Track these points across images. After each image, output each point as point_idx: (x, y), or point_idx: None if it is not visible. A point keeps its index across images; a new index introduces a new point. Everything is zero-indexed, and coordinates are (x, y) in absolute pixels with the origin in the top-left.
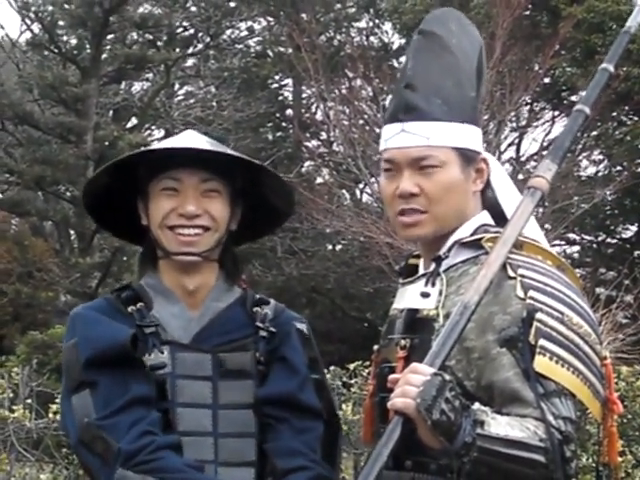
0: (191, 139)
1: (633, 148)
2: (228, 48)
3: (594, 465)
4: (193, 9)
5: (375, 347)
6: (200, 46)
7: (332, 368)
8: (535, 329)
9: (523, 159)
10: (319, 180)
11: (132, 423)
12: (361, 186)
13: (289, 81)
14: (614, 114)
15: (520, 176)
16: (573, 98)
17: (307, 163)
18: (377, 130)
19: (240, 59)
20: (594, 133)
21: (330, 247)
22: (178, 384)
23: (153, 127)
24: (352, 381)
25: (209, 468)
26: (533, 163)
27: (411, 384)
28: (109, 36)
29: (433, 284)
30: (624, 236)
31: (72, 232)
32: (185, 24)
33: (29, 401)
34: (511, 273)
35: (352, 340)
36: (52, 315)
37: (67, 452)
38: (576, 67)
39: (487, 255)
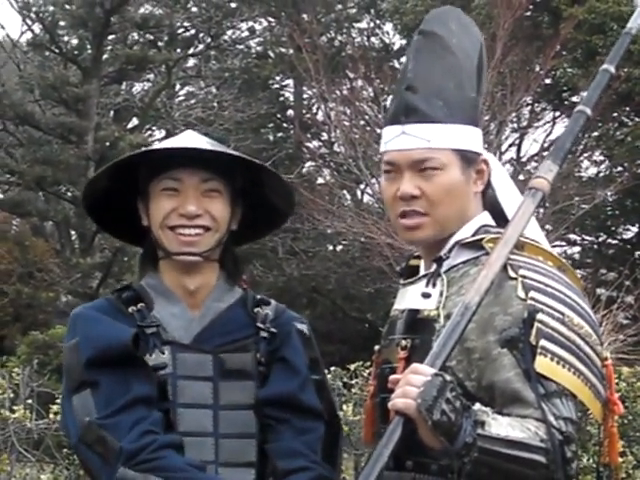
0: (191, 139)
1: (634, 149)
2: (229, 49)
3: (595, 466)
4: (194, 9)
5: (376, 347)
6: (201, 46)
7: (333, 369)
8: (536, 330)
9: (524, 160)
10: (320, 181)
11: (134, 422)
12: (362, 187)
13: (290, 82)
14: (615, 115)
15: (521, 177)
16: (574, 99)
17: (308, 164)
18: (378, 131)
19: (241, 60)
20: (595, 134)
21: (331, 248)
22: (179, 384)
23: (154, 128)
24: (353, 382)
25: (210, 468)
26: (534, 164)
27: (412, 384)
28: (110, 36)
29: (434, 285)
30: (625, 237)
31: (73, 232)
32: (186, 24)
33: (30, 401)
34: (512, 274)
35: (353, 341)
36: (53, 315)
37: (68, 452)
38: (577, 68)
39: (488, 256)
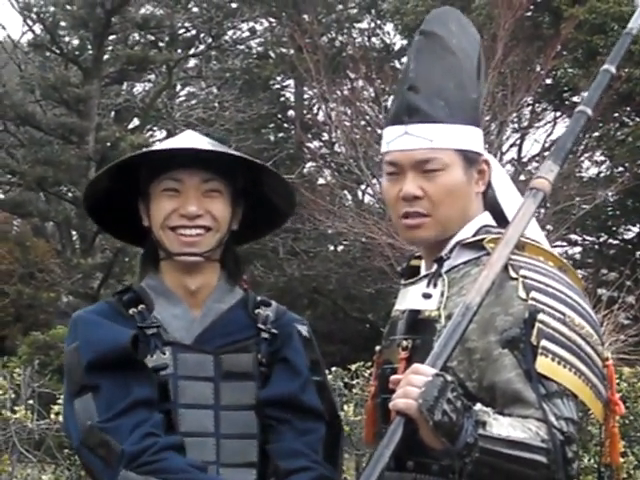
0: (191, 139)
1: (635, 149)
2: (230, 49)
3: (596, 466)
4: (195, 10)
5: (377, 348)
6: (202, 47)
7: (334, 369)
8: (537, 330)
9: (525, 160)
10: (321, 181)
11: (135, 425)
12: (363, 187)
13: (291, 82)
14: (616, 115)
15: (522, 177)
16: (575, 99)
17: (309, 164)
18: (379, 131)
19: (242, 60)
20: (596, 134)
21: (332, 248)
22: (180, 385)
23: (155, 128)
24: (354, 382)
25: (211, 469)
26: (535, 164)
27: (413, 385)
28: (111, 37)
29: (435, 285)
30: (626, 237)
31: (74, 233)
32: (187, 25)
33: (31, 402)
34: (513, 274)
35: (354, 341)
36: (54, 316)
37: (69, 453)
38: (578, 68)
39: (489, 256)
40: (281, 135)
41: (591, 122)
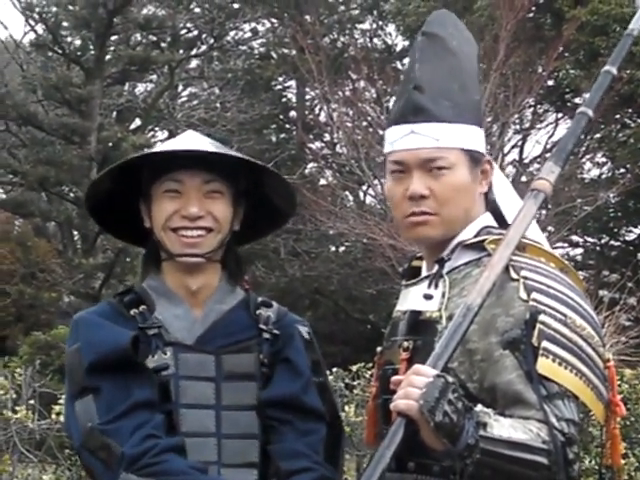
0: (193, 140)
1: (636, 150)
2: (232, 50)
3: (597, 467)
4: (197, 10)
5: (378, 349)
6: (204, 47)
7: (335, 370)
8: (538, 331)
9: (526, 161)
10: (322, 182)
11: (135, 427)
12: (364, 188)
13: (293, 83)
14: (617, 116)
15: (523, 178)
16: (576, 100)
17: (310, 165)
18: (380, 132)
19: (244, 61)
20: (597, 135)
21: (333, 249)
22: (181, 385)
23: (157, 128)
24: (355, 383)
25: (212, 469)
26: (536, 165)
27: (414, 386)
28: (113, 37)
29: (436, 286)
30: (627, 238)
31: (75, 233)
32: (189, 25)
33: (32, 402)
34: (514, 275)
35: (355, 342)
36: (55, 316)
37: (70, 453)
38: (579, 69)
39: (490, 257)
40: (283, 136)
41: (592, 124)
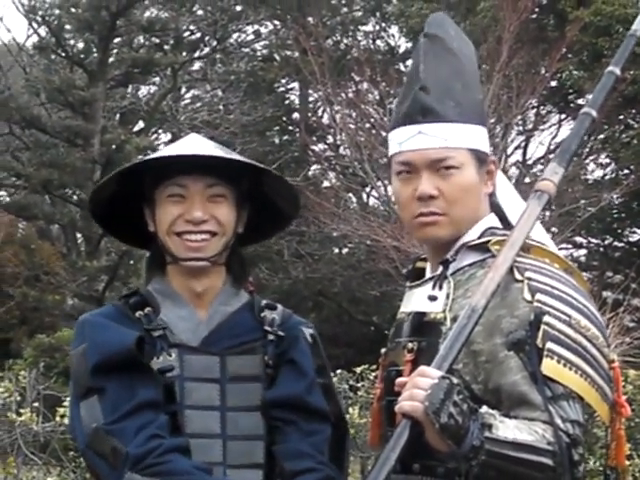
0: (196, 144)
1: None
2: (235, 52)
3: (601, 469)
4: (200, 13)
5: (382, 350)
6: (207, 50)
7: (339, 372)
8: (543, 332)
9: (529, 162)
10: (326, 184)
11: (140, 427)
12: (368, 189)
13: (296, 85)
14: (621, 117)
15: (527, 179)
16: (580, 101)
17: (314, 167)
18: (384, 133)
19: (247, 63)
20: (601, 137)
21: (337, 250)
22: (186, 386)
23: (160, 131)
24: (359, 384)
25: (218, 470)
26: (539, 167)
27: (419, 387)
28: (116, 40)
29: (440, 287)
30: (631, 239)
31: (79, 235)
32: (192, 28)
33: (36, 404)
34: (518, 276)
35: (358, 344)
36: (59, 318)
37: (74, 455)
38: (583, 70)
39: (494, 258)
40: (286, 138)
41: (596, 124)
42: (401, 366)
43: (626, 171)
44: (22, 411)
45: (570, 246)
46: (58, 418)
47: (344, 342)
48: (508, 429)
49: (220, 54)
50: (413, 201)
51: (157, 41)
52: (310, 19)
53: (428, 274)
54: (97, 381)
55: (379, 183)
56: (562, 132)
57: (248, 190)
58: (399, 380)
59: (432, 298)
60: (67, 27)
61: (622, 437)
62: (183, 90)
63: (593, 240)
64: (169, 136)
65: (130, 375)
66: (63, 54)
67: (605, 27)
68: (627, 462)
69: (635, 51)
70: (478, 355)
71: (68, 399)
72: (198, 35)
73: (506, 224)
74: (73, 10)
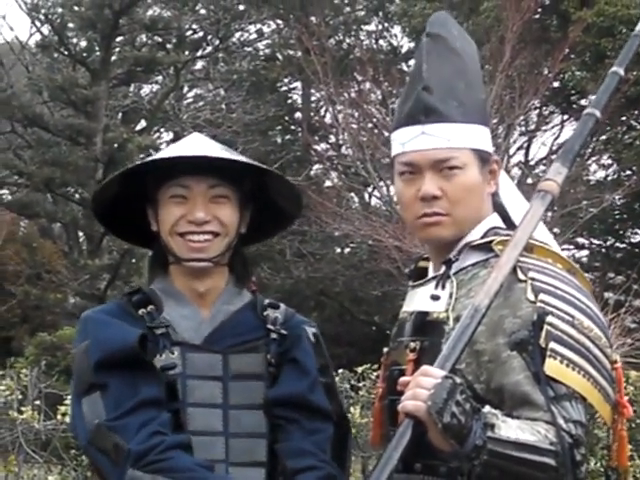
0: (198, 144)
1: None
2: (237, 51)
3: (602, 469)
4: (202, 12)
5: (384, 349)
6: (209, 49)
7: (340, 371)
8: (546, 332)
9: (532, 163)
10: (328, 183)
11: (142, 424)
12: (370, 189)
13: (298, 84)
14: (623, 118)
15: (529, 180)
16: (582, 102)
17: (316, 166)
18: (386, 133)
19: (249, 62)
20: (603, 137)
21: (339, 250)
22: (189, 384)
23: (162, 129)
24: (360, 384)
25: (220, 468)
26: (542, 167)
27: (422, 387)
28: (119, 38)
29: (443, 287)
30: (633, 240)
31: (81, 234)
32: (194, 27)
33: (38, 402)
34: (521, 276)
35: (360, 343)
36: (61, 317)
37: (75, 454)
38: (586, 71)
39: (497, 258)
40: (288, 137)
41: (598, 125)
42: (403, 365)
43: (628, 172)
44: (23, 409)
45: (572, 247)
46: (59, 416)
47: (346, 341)
48: (511, 429)
49: (223, 53)
50: (416, 201)
51: (160, 40)
52: (313, 18)
53: (431, 274)
54: (100, 377)
55: (381, 183)
56: (564, 133)
57: (251, 190)
58: (402, 379)
59: (435, 297)
60: (70, 25)
61: (624, 438)
62: (185, 89)
63: (595, 241)
64: (171, 135)
65: (133, 372)
66: (66, 52)
67: (608, 28)
68: (628, 463)
69: (638, 52)
70: (481, 355)
71: (69, 397)
72: (201, 34)
73: (509, 224)
74: (76, 8)
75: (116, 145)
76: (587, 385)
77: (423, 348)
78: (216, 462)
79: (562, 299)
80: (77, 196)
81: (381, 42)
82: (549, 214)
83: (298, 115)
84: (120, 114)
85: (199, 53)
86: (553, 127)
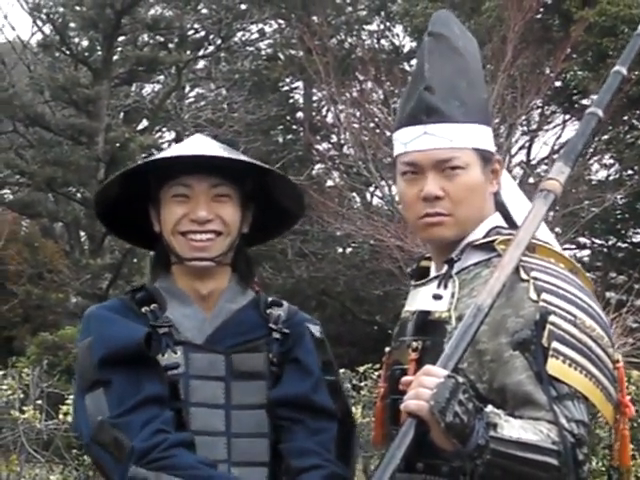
0: (200, 144)
1: None
2: (239, 50)
3: (604, 469)
4: (204, 11)
5: (386, 349)
6: (211, 48)
7: (342, 371)
8: (548, 332)
9: (534, 163)
10: (329, 183)
11: (145, 422)
12: (371, 189)
13: (300, 84)
14: (625, 118)
15: (531, 180)
16: (584, 102)
17: (317, 166)
18: (388, 133)
19: (251, 61)
20: (605, 137)
21: (340, 250)
22: (191, 384)
23: (164, 129)
24: (362, 384)
25: (222, 468)
26: (544, 167)
27: (425, 386)
28: (120, 38)
29: (445, 286)
30: (635, 240)
31: (82, 233)
32: (196, 26)
33: (39, 402)
34: (524, 276)
35: (362, 343)
36: (62, 316)
37: (77, 453)
38: (587, 71)
39: (500, 258)
40: (290, 137)
41: (601, 125)
42: (405, 365)
43: (630, 172)
44: (25, 409)
45: (574, 246)
46: (61, 416)
47: (347, 341)
48: (513, 428)
49: (224, 53)
50: (418, 201)
51: (161, 39)
52: (315, 18)
53: (433, 273)
54: (104, 374)
55: (383, 182)
56: (566, 132)
57: (253, 190)
58: (404, 379)
59: (437, 297)
60: (71, 25)
61: (626, 437)
62: (187, 88)
63: (597, 241)
64: (173, 134)
65: (137, 370)
66: (67, 52)
67: (610, 27)
68: (630, 462)
69: None
70: (483, 354)
71: (71, 397)
72: (202, 34)
73: (510, 223)
74: (77, 8)
75: (118, 145)
76: (589, 385)
77: (425, 347)
78: (218, 462)
79: (564, 298)
80: (79, 196)
81: (383, 42)
82: (551, 214)
83: (300, 115)
84: (122, 114)
85: (201, 53)
86: (555, 127)
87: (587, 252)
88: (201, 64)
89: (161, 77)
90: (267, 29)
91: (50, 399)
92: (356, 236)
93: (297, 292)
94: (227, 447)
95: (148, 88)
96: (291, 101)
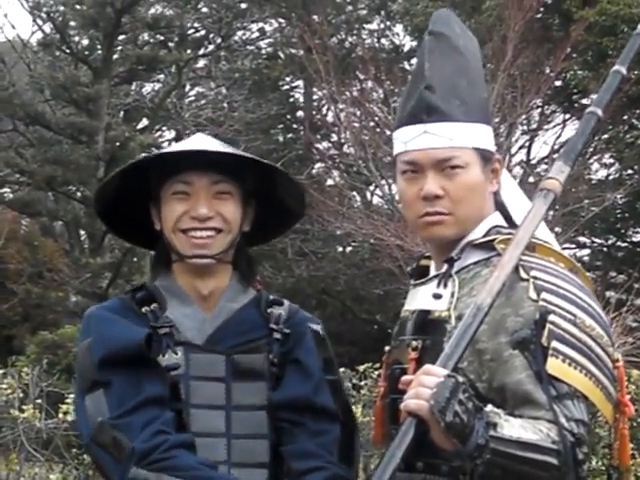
0: (201, 142)
1: None
2: (239, 49)
3: (603, 468)
4: (204, 10)
5: (386, 348)
6: (211, 47)
7: (342, 370)
8: (548, 331)
9: (534, 162)
10: (330, 182)
11: (145, 423)
12: (372, 188)
13: (300, 83)
14: (625, 118)
15: (531, 179)
16: (584, 101)
17: (318, 165)
18: (388, 132)
19: (251, 60)
20: (605, 136)
21: (340, 249)
22: (192, 385)
23: (164, 128)
24: (362, 383)
25: (222, 469)
26: (544, 166)
27: (424, 386)
28: (121, 37)
29: (445, 285)
30: (634, 239)
31: (82, 232)
32: (196, 25)
33: (39, 401)
34: (524, 275)
35: (362, 342)
36: (62, 315)
37: (77, 452)
38: (588, 70)
39: (499, 257)
40: (290, 136)
41: (600, 124)
42: (405, 364)
43: (630, 171)
44: (25, 408)
45: (573, 246)
46: (61, 415)
47: (347, 340)
48: (513, 428)
49: (225, 52)
50: (418, 200)
51: (162, 38)
52: (315, 17)
53: (433, 272)
54: (104, 375)
55: (383, 182)
56: (566, 132)
57: (253, 188)
58: (404, 378)
59: (437, 296)
60: (72, 24)
61: (626, 436)
62: (187, 87)
63: (596, 240)
64: (173, 133)
65: (137, 370)
66: (67, 51)
67: (610, 27)
68: (630, 462)
69: None
70: (483, 354)
71: (71, 396)
72: (203, 32)
73: (510, 222)
74: (78, 7)
75: (118, 143)
76: (589, 384)
77: (425, 347)
78: (218, 463)
79: (564, 298)
80: (79, 194)
81: (383, 41)
82: (551, 213)
83: (300, 114)
84: (122, 112)
85: (201, 51)
86: (555, 126)
87: (587, 251)
88: (201, 63)
89: (161, 76)
90: (267, 28)
91: (50, 398)
92: (356, 235)
93: (297, 291)
94: (227, 448)
95: (148, 87)
96: (291, 100)
